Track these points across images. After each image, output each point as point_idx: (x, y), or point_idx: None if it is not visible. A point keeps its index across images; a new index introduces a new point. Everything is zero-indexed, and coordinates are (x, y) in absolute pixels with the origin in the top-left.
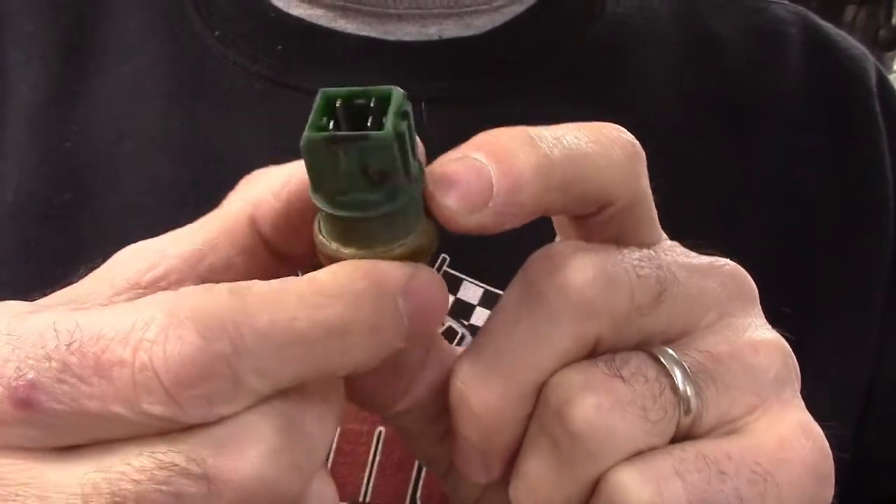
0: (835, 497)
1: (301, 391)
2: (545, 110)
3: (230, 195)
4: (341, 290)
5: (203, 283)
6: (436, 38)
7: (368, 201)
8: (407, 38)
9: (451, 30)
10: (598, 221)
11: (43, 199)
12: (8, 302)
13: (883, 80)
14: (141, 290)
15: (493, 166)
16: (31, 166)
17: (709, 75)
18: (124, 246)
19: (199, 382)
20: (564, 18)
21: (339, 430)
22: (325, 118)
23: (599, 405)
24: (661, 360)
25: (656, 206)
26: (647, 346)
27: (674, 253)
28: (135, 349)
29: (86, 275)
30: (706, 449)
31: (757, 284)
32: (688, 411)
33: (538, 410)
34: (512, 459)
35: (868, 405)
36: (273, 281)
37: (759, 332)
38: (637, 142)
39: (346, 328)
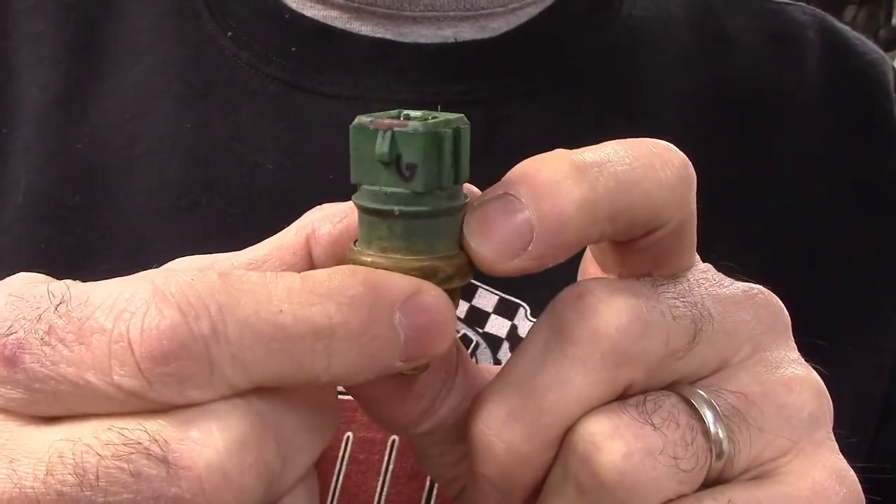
0: None
1: (285, 396)
2: (560, 112)
3: (294, 223)
4: (333, 290)
5: None
6: (451, 40)
7: (393, 193)
8: (422, 40)
9: (467, 32)
10: (641, 246)
11: (53, 200)
12: (35, 274)
13: None
14: None
15: (533, 207)
16: (41, 168)
17: (724, 78)
18: (135, 247)
19: (173, 360)
20: (579, 21)
21: (352, 438)
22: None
23: (629, 454)
24: (693, 402)
25: None
26: (678, 387)
27: (707, 283)
28: (116, 318)
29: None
30: (737, 497)
31: (772, 291)
32: (720, 455)
33: (564, 455)
34: (532, 499)
35: (886, 413)
36: (268, 272)
37: (793, 369)
38: (689, 162)
39: (333, 330)
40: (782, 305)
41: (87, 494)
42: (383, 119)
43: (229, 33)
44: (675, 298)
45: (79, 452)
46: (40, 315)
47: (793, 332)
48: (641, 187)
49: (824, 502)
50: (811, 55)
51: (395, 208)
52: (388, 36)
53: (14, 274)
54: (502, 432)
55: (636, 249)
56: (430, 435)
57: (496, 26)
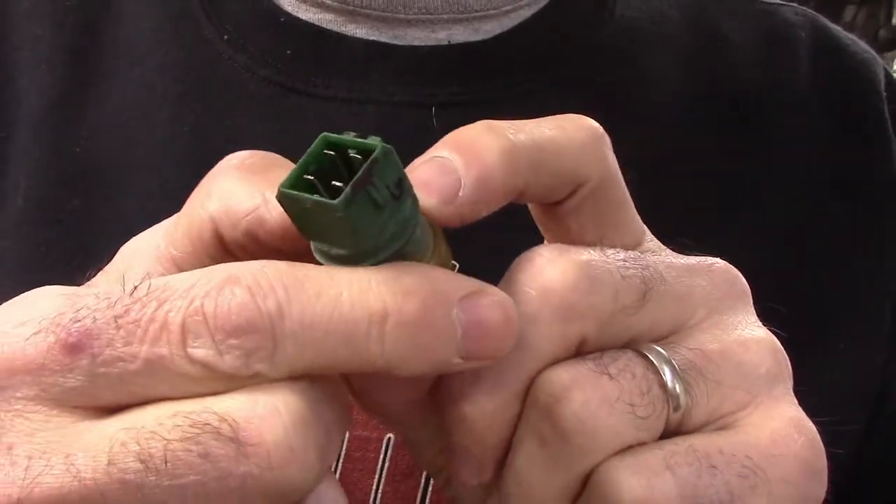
0: (829, 494)
1: (325, 386)
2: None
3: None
4: (390, 279)
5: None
6: (445, 42)
7: (346, 256)
8: (416, 42)
9: (460, 34)
10: (573, 207)
11: (53, 203)
12: (59, 287)
13: (892, 85)
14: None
15: (458, 159)
16: (40, 171)
17: (718, 79)
18: None
19: (242, 333)
20: (573, 22)
21: (348, 436)
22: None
23: (587, 402)
24: (650, 357)
25: (653, 206)
26: (635, 345)
27: (660, 252)
28: (192, 298)
29: (93, 276)
30: (697, 443)
31: (763, 287)
32: (677, 407)
33: (526, 410)
34: (504, 460)
35: (879, 407)
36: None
37: (750, 330)
38: (599, 126)
39: (387, 315)
40: (739, 274)
41: (152, 479)
42: (301, 196)
43: (225, 36)
44: (624, 260)
45: (143, 439)
46: (111, 303)
47: (787, 328)
48: (555, 143)
49: (783, 449)
50: (804, 55)
51: (361, 264)
52: (383, 38)
53: (12, 276)
54: (467, 393)
55: (571, 214)
56: (411, 420)
57: (489, 28)
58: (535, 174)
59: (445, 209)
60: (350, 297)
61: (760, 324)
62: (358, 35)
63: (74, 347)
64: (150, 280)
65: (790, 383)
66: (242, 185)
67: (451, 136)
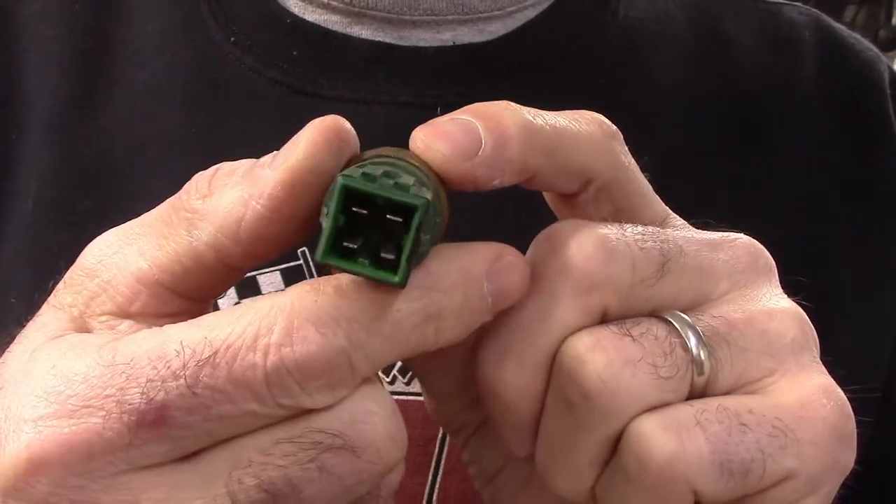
0: (842, 487)
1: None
2: None
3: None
4: (435, 282)
5: None
6: (450, 43)
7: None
8: (421, 43)
9: (465, 35)
10: (587, 200)
11: (63, 205)
12: (65, 338)
13: None
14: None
15: (480, 124)
16: (51, 173)
17: (722, 79)
18: None
19: (324, 374)
20: (577, 23)
21: None
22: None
23: (609, 363)
24: (672, 322)
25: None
26: (657, 312)
27: (682, 228)
28: (265, 353)
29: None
30: (728, 403)
31: None
32: (701, 372)
33: (553, 377)
34: None
35: (884, 404)
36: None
37: (775, 301)
38: (609, 122)
39: (441, 314)
40: (763, 249)
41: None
42: (358, 270)
43: (233, 38)
44: (642, 234)
45: (258, 472)
46: (174, 372)
47: (793, 295)
48: (571, 132)
49: (812, 412)
50: (808, 55)
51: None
52: (388, 40)
53: (24, 278)
54: (497, 371)
55: (587, 205)
56: (444, 374)
57: (494, 29)
58: (548, 159)
59: (460, 165)
60: (406, 309)
61: (785, 296)
62: (363, 36)
63: (156, 423)
64: (202, 333)
65: (817, 352)
66: (220, 201)
67: (474, 105)
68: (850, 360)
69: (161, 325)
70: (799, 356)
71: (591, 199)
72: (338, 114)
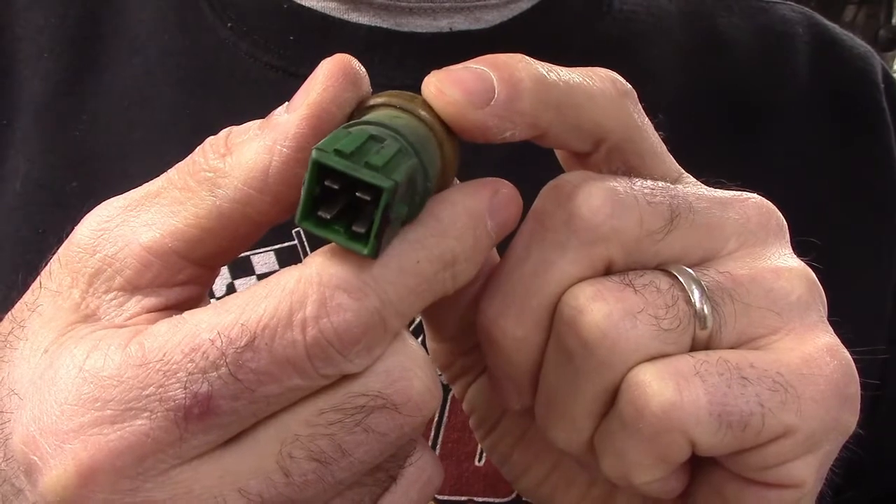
0: (830, 478)
1: None
2: None
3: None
4: (448, 228)
5: None
6: (446, 30)
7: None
8: (418, 30)
9: (462, 23)
10: (599, 160)
11: (52, 186)
12: (80, 335)
13: (889, 77)
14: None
15: (494, 73)
16: (39, 155)
17: (715, 74)
18: None
19: (363, 337)
20: (572, 14)
21: None
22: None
23: (609, 313)
24: (677, 275)
25: None
26: (662, 266)
27: (693, 185)
28: (302, 328)
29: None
30: (729, 356)
31: None
32: (704, 326)
33: (554, 327)
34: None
35: (878, 397)
36: None
37: (783, 260)
38: (626, 82)
39: (456, 258)
40: (775, 209)
41: (329, 469)
42: (331, 238)
43: (229, 24)
44: (652, 189)
45: (306, 444)
46: (214, 362)
47: (803, 256)
48: (584, 89)
49: (815, 370)
50: (801, 49)
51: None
52: (385, 26)
53: (11, 259)
54: (498, 321)
55: (599, 164)
56: (446, 320)
57: (490, 18)
58: (560, 115)
59: (472, 113)
60: (425, 259)
61: (795, 256)
62: (361, 23)
63: (203, 415)
64: (233, 317)
65: (825, 312)
66: (243, 155)
67: (489, 56)
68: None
69: (170, 296)
70: (805, 315)
71: (602, 159)
72: None
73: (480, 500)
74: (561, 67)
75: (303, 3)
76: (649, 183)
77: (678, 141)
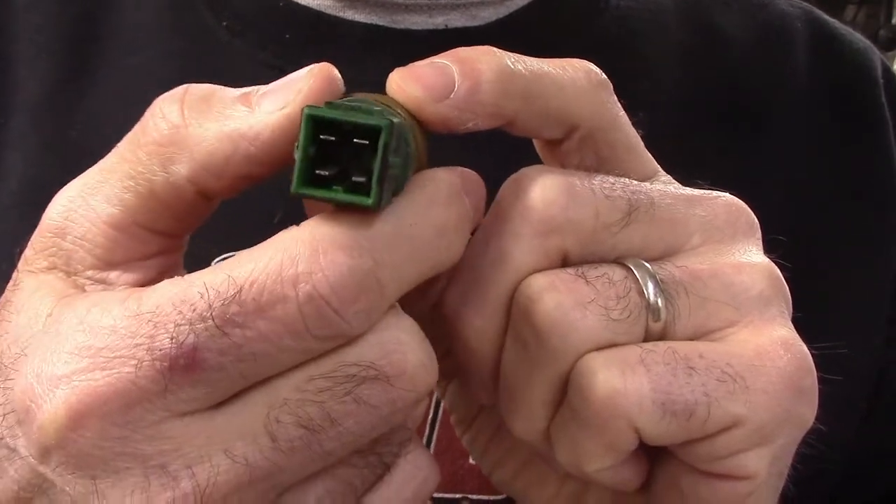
0: (807, 446)
1: None
2: None
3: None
4: (434, 195)
5: None
6: (442, 27)
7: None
8: (414, 27)
9: (457, 20)
10: (571, 148)
11: (48, 186)
12: (83, 295)
13: (888, 73)
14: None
15: (456, 67)
16: (36, 154)
17: (713, 70)
18: None
19: (359, 296)
20: (569, 11)
21: None
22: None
23: (560, 303)
24: (632, 267)
25: None
26: (620, 259)
27: (665, 184)
28: (294, 283)
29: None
30: (678, 346)
31: None
32: (657, 318)
33: (511, 317)
34: None
35: (877, 396)
36: None
37: (747, 256)
38: (601, 72)
39: (446, 226)
40: (747, 209)
41: (317, 437)
42: (330, 197)
43: (225, 23)
44: (612, 183)
45: (294, 410)
46: (201, 314)
47: (770, 253)
48: (552, 78)
49: (766, 362)
50: (800, 45)
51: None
52: (381, 23)
53: (7, 258)
54: (459, 310)
55: (569, 154)
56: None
57: (486, 15)
58: (526, 104)
59: (431, 106)
60: (419, 223)
61: (761, 253)
62: (356, 20)
63: (189, 367)
64: (230, 274)
65: (787, 308)
66: (203, 134)
67: (456, 50)
68: (843, 361)
69: (150, 267)
70: (764, 309)
71: (574, 147)
72: None
73: (475, 497)
74: (530, 58)
75: (298, 1)
76: (610, 178)
77: (676, 137)
